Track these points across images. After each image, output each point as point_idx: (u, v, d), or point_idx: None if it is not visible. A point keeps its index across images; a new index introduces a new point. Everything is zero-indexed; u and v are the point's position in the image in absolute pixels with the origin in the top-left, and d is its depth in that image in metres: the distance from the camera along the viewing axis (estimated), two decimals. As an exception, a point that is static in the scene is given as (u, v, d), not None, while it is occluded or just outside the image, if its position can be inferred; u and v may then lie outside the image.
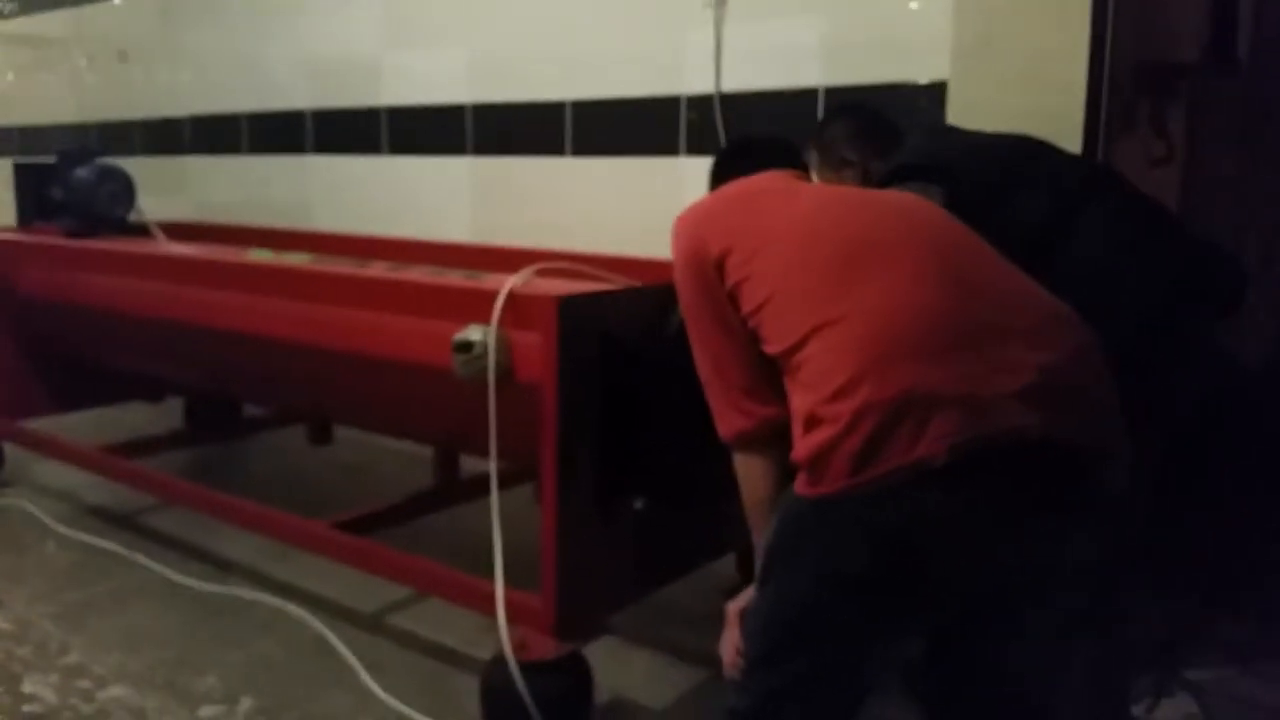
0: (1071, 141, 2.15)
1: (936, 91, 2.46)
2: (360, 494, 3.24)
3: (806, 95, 2.75)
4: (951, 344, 1.28)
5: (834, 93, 2.71)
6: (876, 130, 2.14)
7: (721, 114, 2.92)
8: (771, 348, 1.46)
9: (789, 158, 1.82)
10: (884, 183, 1.91)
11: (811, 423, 1.32)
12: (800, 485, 1.33)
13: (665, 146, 3.10)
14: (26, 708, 2.07)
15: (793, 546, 1.36)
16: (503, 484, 2.88)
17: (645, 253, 2.68)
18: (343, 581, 2.60)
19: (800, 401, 1.37)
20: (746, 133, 1.99)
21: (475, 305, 1.99)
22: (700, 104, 3.00)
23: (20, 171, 3.52)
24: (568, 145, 3.34)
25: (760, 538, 1.57)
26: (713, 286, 1.55)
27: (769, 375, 1.51)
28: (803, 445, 1.33)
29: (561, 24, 3.30)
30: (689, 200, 3.13)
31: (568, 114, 3.33)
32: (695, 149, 3.04)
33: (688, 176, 3.07)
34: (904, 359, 1.27)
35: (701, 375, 1.62)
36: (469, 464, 2.95)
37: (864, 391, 1.26)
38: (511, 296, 1.92)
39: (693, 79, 3.00)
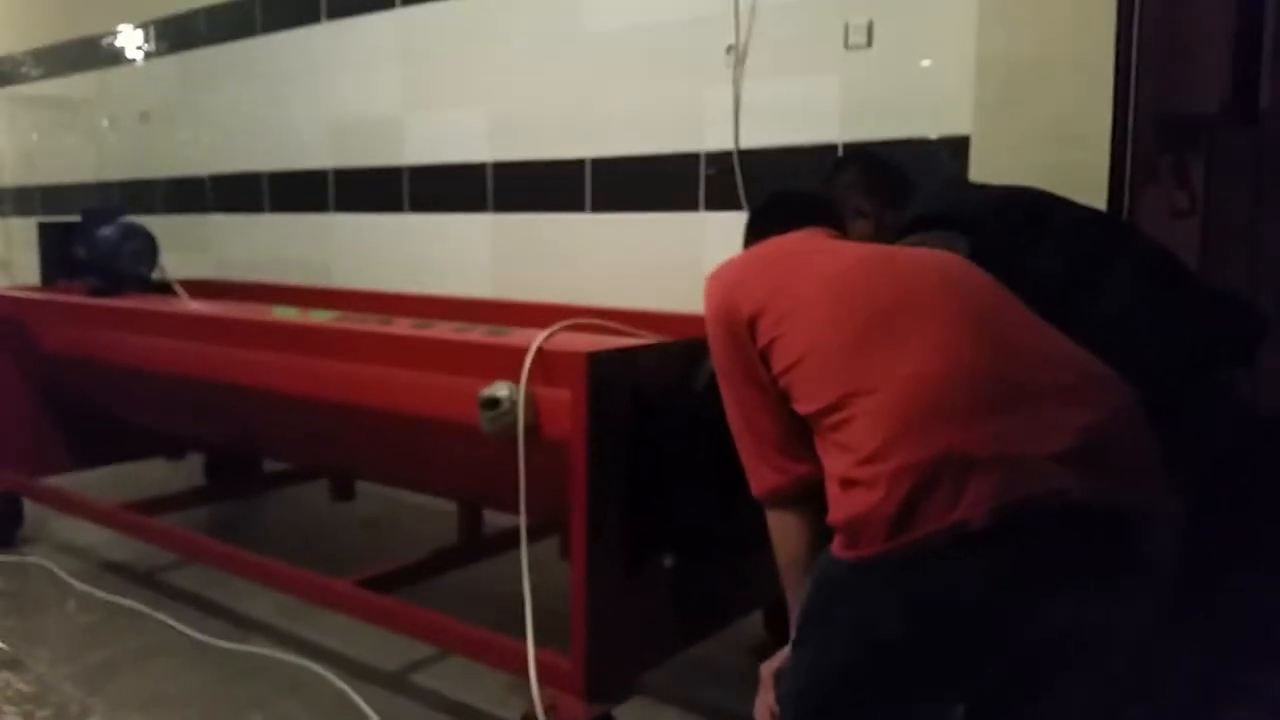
0: (1096, 195, 2.16)
1: (956, 146, 2.48)
2: (382, 549, 3.23)
3: (825, 150, 2.76)
4: (988, 405, 1.27)
5: (853, 147, 2.73)
6: (888, 179, 2.15)
7: (741, 169, 2.94)
8: (803, 408, 1.46)
9: (827, 214, 1.83)
10: (903, 232, 1.91)
11: (846, 485, 1.32)
12: (837, 547, 1.32)
13: (685, 202, 3.12)
14: (49, 772, 2.05)
15: (828, 609, 1.35)
16: (529, 539, 2.88)
17: (667, 307, 2.69)
18: (365, 639, 2.57)
19: (834, 463, 1.37)
20: (784, 187, 1.98)
21: (502, 361, 1.99)
22: (719, 159, 3.02)
23: (45, 231, 3.56)
24: (588, 202, 3.36)
25: (793, 596, 1.56)
26: (744, 345, 1.56)
27: (801, 433, 1.51)
28: (838, 507, 1.33)
29: (580, 82, 3.34)
30: (709, 255, 3.15)
31: (587, 171, 3.35)
32: (715, 204, 3.06)
33: (708, 231, 3.09)
34: (940, 421, 1.26)
35: (734, 431, 1.62)
36: (492, 519, 2.93)
37: (899, 454, 1.25)
38: (539, 353, 1.92)
39: (712, 135, 3.03)
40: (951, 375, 1.30)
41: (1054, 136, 2.21)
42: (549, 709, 1.90)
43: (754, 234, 1.84)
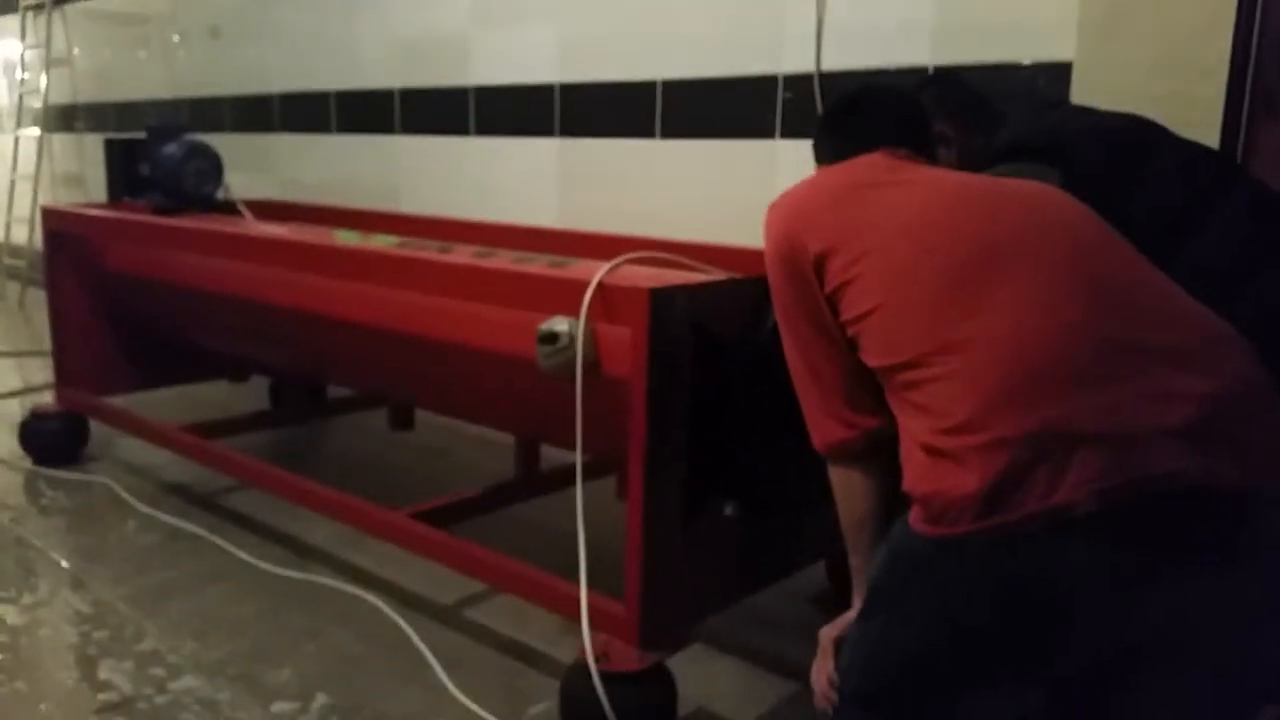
0: (1209, 131, 1.97)
1: (1058, 72, 2.29)
2: (440, 480, 3.19)
3: (914, 74, 2.58)
4: (1096, 372, 1.13)
5: (944, 71, 2.54)
6: (972, 103, 1.98)
7: (821, 94, 2.78)
8: (875, 360, 1.33)
9: (912, 127, 1.63)
10: (990, 161, 1.75)
11: (931, 453, 1.20)
12: (916, 520, 1.20)
13: (760, 129, 2.97)
14: (102, 695, 2.03)
15: (905, 585, 1.24)
16: (585, 476, 2.82)
17: (737, 240, 2.56)
18: (420, 571, 2.53)
19: (914, 425, 1.24)
20: (863, 90, 1.74)
21: (562, 295, 1.89)
22: (798, 83, 2.86)
23: (110, 147, 3.52)
24: (658, 127, 3.23)
25: (859, 559, 1.45)
26: (810, 287, 1.42)
27: (870, 383, 1.39)
28: (920, 478, 1.21)
29: (653, 1, 3.18)
30: (783, 185, 3.00)
31: (658, 94, 3.21)
32: (792, 131, 2.90)
33: (782, 160, 2.94)
34: (1041, 390, 1.12)
35: (795, 379, 1.50)
36: (550, 453, 2.86)
37: (995, 425, 1.12)
38: (600, 287, 1.82)
39: (791, 57, 2.86)
40: (1054, 334, 1.16)
41: (1165, 64, 2.01)
42: (600, 655, 1.83)
43: (827, 147, 1.65)
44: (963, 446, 1.14)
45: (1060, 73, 2.28)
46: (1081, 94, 2.17)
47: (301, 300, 2.61)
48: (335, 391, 3.76)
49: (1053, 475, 1.08)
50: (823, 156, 1.67)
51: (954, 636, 1.19)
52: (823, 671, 1.40)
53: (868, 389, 1.39)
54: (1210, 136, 1.97)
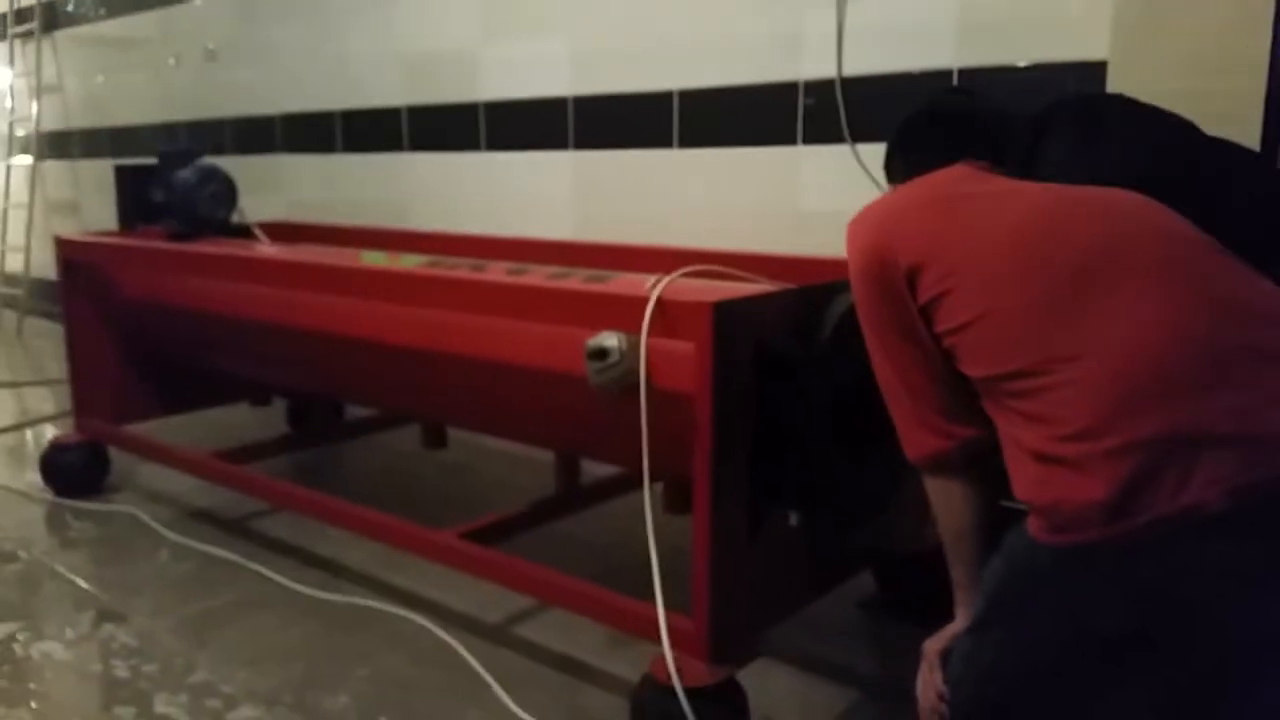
0: (1249, 132, 1.98)
1: (1088, 72, 2.31)
2: (470, 498, 3.18)
3: (938, 77, 2.60)
4: (1217, 375, 1.13)
5: (969, 74, 2.56)
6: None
7: (843, 99, 2.79)
8: (978, 370, 1.33)
9: (983, 140, 1.62)
10: None
11: (1047, 460, 1.20)
12: (1037, 529, 1.20)
13: (781, 136, 2.98)
14: (163, 730, 2.02)
15: (1027, 595, 1.25)
16: (621, 489, 2.82)
17: (758, 248, 2.57)
18: (463, 589, 2.53)
19: (1024, 434, 1.24)
20: (934, 106, 1.75)
21: (619, 311, 1.89)
22: (819, 89, 2.86)
23: (122, 173, 3.50)
24: (675, 137, 3.23)
25: (960, 570, 1.45)
26: (901, 300, 1.42)
27: (963, 393, 1.39)
28: (1038, 486, 1.21)
29: (667, 9, 3.19)
30: (805, 193, 3.03)
31: (675, 104, 3.22)
32: (814, 138, 2.91)
33: (805, 167, 2.95)
34: (1162, 394, 1.13)
35: (886, 392, 1.50)
36: (587, 467, 2.86)
37: (1119, 431, 1.13)
38: (659, 302, 1.82)
39: (811, 62, 2.87)
40: (1173, 340, 1.16)
41: (1203, 60, 2.03)
42: (668, 672, 1.82)
43: (904, 163, 1.65)
44: (1085, 453, 1.14)
45: (1090, 72, 2.30)
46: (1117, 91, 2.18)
47: (336, 324, 2.59)
48: (353, 413, 3.74)
49: (1181, 477, 1.09)
50: (897, 174, 1.67)
51: (1083, 644, 1.19)
52: (930, 685, 1.40)
53: (961, 399, 1.39)
54: (1251, 134, 1.98)
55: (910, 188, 1.55)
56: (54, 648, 2.36)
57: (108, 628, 2.45)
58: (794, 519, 1.93)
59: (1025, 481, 1.23)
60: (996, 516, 1.36)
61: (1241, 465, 1.08)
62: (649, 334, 1.83)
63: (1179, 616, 1.13)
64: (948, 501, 1.43)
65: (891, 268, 1.42)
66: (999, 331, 1.29)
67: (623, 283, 2.09)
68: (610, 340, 1.92)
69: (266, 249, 3.08)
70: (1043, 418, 1.21)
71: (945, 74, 2.59)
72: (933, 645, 1.45)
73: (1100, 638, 1.17)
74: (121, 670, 2.26)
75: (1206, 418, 1.11)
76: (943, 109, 1.71)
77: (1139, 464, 1.11)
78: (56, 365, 5.14)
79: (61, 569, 2.80)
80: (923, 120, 1.68)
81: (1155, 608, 1.13)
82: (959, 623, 1.43)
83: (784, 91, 2.95)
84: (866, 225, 1.50)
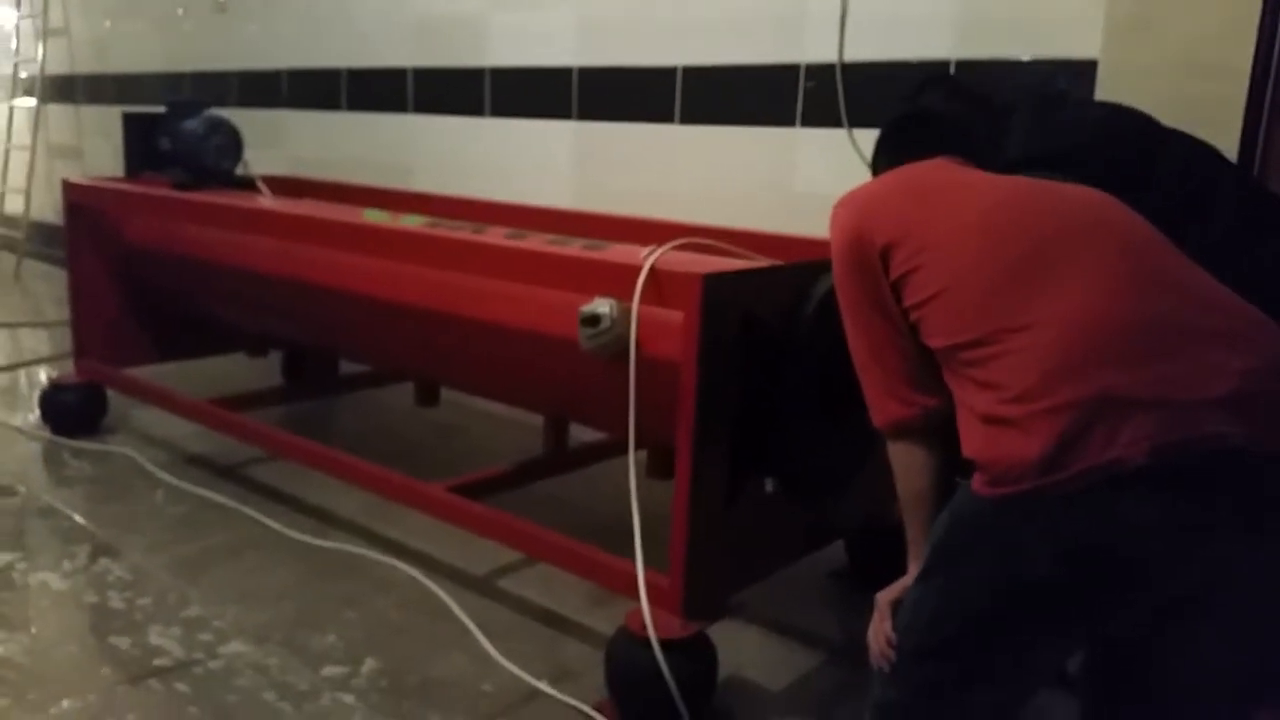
0: (1228, 133, 2.06)
1: (1079, 69, 2.38)
2: (458, 457, 3.26)
3: (935, 67, 2.67)
4: (1148, 348, 1.25)
5: (966, 66, 2.63)
6: (977, 99, 2.04)
7: (843, 84, 2.85)
8: (937, 341, 1.44)
9: (961, 139, 1.75)
10: (1002, 172, 1.83)
11: (992, 421, 1.31)
12: (979, 483, 1.31)
13: (780, 117, 3.04)
14: (156, 661, 2.10)
15: (967, 544, 1.35)
16: (609, 453, 2.90)
17: (753, 225, 2.64)
18: (450, 542, 2.61)
19: (975, 399, 1.35)
20: (919, 107, 1.88)
21: (612, 278, 1.96)
22: (820, 73, 2.93)
23: (129, 121, 3.55)
24: (677, 112, 3.29)
25: (915, 530, 1.55)
26: (875, 275, 1.53)
27: (928, 365, 1.49)
28: (982, 444, 1.32)
29: (675, -14, 3.24)
30: (802, 173, 3.09)
31: (678, 80, 3.28)
32: (812, 120, 2.98)
33: (802, 148, 3.01)
34: (1098, 362, 1.24)
35: (857, 362, 1.60)
36: (574, 431, 2.94)
37: (1054, 393, 1.24)
38: (652, 272, 1.89)
39: (814, 46, 2.93)
40: (1110, 316, 1.27)
41: (1189, 64, 2.10)
42: (643, 625, 1.90)
43: (886, 155, 1.76)
44: (1025, 413, 1.25)
45: (1081, 69, 2.37)
46: (1105, 92, 2.25)
47: (337, 279, 2.66)
48: (347, 368, 3.81)
49: (1108, 435, 1.19)
50: (880, 168, 1.76)
51: (1015, 590, 1.29)
52: (880, 632, 1.49)
53: (925, 372, 1.50)
54: (1230, 138, 2.06)
55: (890, 176, 1.67)
56: (51, 578, 2.44)
57: (103, 562, 2.53)
58: (770, 486, 2.01)
59: (973, 441, 1.34)
60: (950, 484, 1.46)
61: (1163, 426, 1.19)
62: (640, 302, 1.91)
63: (1100, 566, 1.24)
64: (908, 464, 1.54)
65: (868, 246, 1.52)
66: (958, 305, 1.40)
67: (617, 251, 2.16)
68: (603, 307, 2.00)
69: (270, 202, 3.13)
70: (991, 384, 1.32)
71: (943, 64, 2.66)
72: (884, 596, 1.55)
73: (1030, 585, 1.27)
74: (116, 602, 2.34)
75: (1135, 384, 1.22)
76: (924, 115, 1.81)
77: (1071, 422, 1.21)
78: (53, 308, 5.20)
79: (58, 504, 2.87)
80: (907, 122, 1.79)
81: (1078, 558, 1.23)
82: (910, 576, 1.52)
83: (786, 73, 3.01)
84: (848, 209, 1.60)
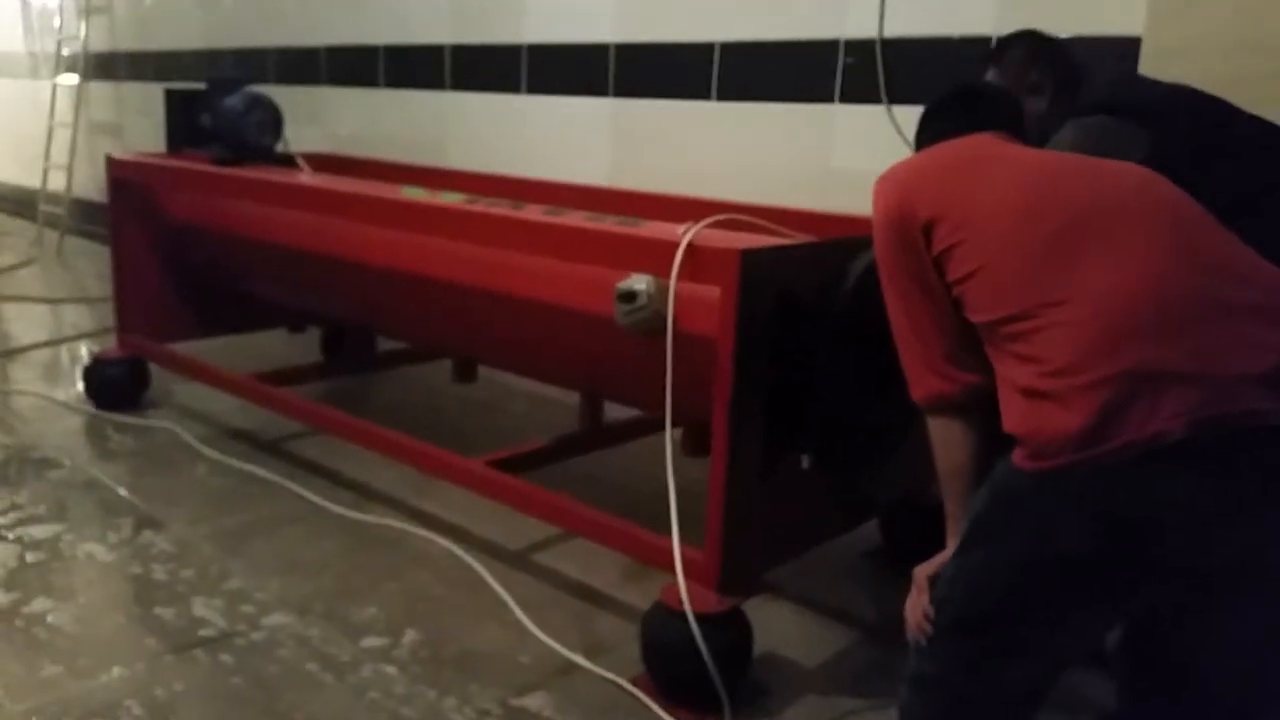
0: (1276, 109, 2.02)
1: (1124, 47, 2.35)
2: (494, 434, 3.28)
3: (977, 43, 2.64)
4: (1187, 321, 1.25)
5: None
6: (1061, 58, 2.04)
7: (883, 60, 2.83)
8: (979, 316, 1.44)
9: (1010, 115, 1.74)
10: (1081, 112, 1.84)
11: (1032, 395, 1.31)
12: (1019, 457, 1.31)
13: (819, 93, 3.03)
14: (201, 631, 2.14)
15: (1007, 519, 1.35)
16: (644, 430, 2.91)
17: (791, 203, 2.63)
18: (486, 516, 2.64)
19: (1016, 373, 1.35)
20: (968, 83, 1.89)
21: (649, 254, 1.97)
22: (860, 49, 2.91)
23: (171, 98, 3.58)
24: (714, 89, 3.28)
25: (954, 505, 1.54)
26: (917, 251, 1.53)
27: (968, 341, 1.49)
28: (1022, 418, 1.32)
29: (713, -38, 3.23)
30: (840, 150, 3.08)
31: (716, 55, 3.26)
32: (851, 97, 2.96)
33: (841, 125, 3.00)
34: (1137, 335, 1.24)
35: (897, 336, 1.60)
36: (609, 408, 2.95)
37: (1095, 367, 1.24)
38: (689, 248, 1.89)
39: (853, 21, 2.91)
40: (1149, 290, 1.27)
41: (1235, 40, 2.06)
42: (679, 599, 1.92)
43: (931, 130, 1.74)
44: (1065, 387, 1.25)
45: (1125, 47, 2.34)
46: (1149, 70, 2.22)
47: (377, 256, 2.68)
48: (385, 345, 3.84)
49: (1148, 409, 1.19)
50: (924, 143, 1.76)
51: (1052, 564, 1.29)
52: (918, 606, 1.49)
53: (966, 348, 1.49)
54: (1277, 116, 2.02)
55: (933, 151, 1.66)
56: (97, 549, 2.49)
57: (147, 534, 2.58)
58: (806, 462, 2.01)
59: (1013, 415, 1.34)
60: (989, 461, 1.46)
61: (1202, 401, 1.19)
62: (678, 278, 1.91)
63: (1137, 540, 1.23)
64: (946, 439, 1.54)
65: (911, 220, 1.52)
66: (998, 280, 1.40)
67: (654, 227, 2.16)
68: (640, 284, 2.00)
69: (311, 178, 3.16)
70: (1032, 357, 1.32)
71: (984, 40, 2.62)
72: (922, 570, 1.55)
73: (1066, 559, 1.28)
74: (160, 574, 2.38)
75: (1174, 359, 1.21)
76: (972, 91, 1.82)
77: (1111, 396, 1.21)
78: (95, 284, 5.27)
79: (103, 477, 2.93)
80: (952, 100, 1.78)
81: (1117, 531, 1.23)
82: (948, 551, 1.52)
83: (825, 49, 2.99)
84: (891, 182, 1.60)
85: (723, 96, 3.26)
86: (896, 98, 2.76)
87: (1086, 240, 1.35)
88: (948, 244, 1.47)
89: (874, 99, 2.83)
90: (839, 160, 3.00)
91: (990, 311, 1.41)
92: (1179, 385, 1.20)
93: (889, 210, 1.57)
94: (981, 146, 1.61)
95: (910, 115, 2.71)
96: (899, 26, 2.79)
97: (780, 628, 2.24)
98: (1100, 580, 1.29)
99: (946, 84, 1.87)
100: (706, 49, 3.26)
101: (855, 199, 2.68)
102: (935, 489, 1.60)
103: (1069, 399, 1.24)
